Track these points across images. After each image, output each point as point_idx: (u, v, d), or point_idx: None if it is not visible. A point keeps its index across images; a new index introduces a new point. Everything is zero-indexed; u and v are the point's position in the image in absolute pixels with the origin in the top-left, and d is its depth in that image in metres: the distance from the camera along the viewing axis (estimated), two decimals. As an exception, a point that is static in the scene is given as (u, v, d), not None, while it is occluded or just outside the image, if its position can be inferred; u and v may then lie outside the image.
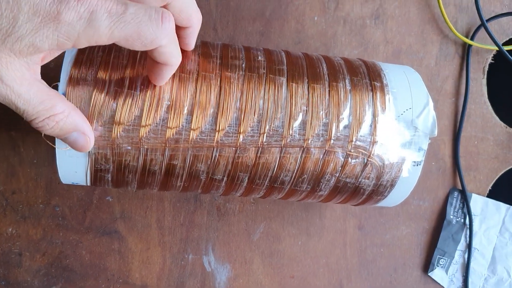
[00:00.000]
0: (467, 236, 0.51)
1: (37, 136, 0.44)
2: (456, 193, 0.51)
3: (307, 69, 0.36)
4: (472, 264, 0.51)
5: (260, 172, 0.35)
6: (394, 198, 0.39)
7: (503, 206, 0.51)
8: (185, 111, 0.32)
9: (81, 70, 0.32)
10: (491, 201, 0.51)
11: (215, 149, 0.33)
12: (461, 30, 0.50)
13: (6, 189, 0.44)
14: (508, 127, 0.52)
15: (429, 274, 0.50)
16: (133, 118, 0.32)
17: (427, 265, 0.50)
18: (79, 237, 0.45)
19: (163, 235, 0.46)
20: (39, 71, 0.27)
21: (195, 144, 0.33)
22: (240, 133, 0.33)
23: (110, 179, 0.34)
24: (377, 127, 0.35)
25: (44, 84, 0.27)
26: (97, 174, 0.33)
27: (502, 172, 0.52)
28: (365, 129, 0.35)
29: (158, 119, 0.32)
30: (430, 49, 0.50)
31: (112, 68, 0.32)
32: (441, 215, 0.50)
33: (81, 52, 0.32)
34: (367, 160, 0.36)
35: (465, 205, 0.50)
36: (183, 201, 0.46)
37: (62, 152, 0.32)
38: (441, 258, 0.50)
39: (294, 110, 0.34)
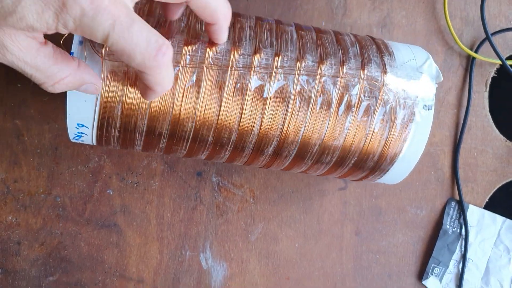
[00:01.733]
0: (463, 246, 0.51)
1: (42, 126, 0.44)
2: (453, 203, 0.51)
3: (314, 28, 0.39)
4: (466, 275, 0.51)
5: (273, 113, 0.34)
6: (409, 155, 0.38)
7: (499, 218, 0.52)
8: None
9: None
10: (487, 213, 0.52)
11: (229, 71, 0.33)
12: (466, 42, 0.51)
13: (8, 177, 0.44)
14: (507, 140, 0.52)
15: (423, 282, 0.50)
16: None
17: (421, 273, 0.51)
18: (79, 229, 0.45)
19: (161, 230, 0.46)
20: (41, 34, 0.27)
21: (211, 63, 0.33)
22: (255, 54, 0.34)
23: (118, 123, 0.33)
24: (386, 65, 0.37)
25: (51, 47, 0.27)
26: (104, 117, 0.33)
27: (500, 185, 0.52)
28: (374, 65, 0.36)
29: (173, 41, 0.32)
30: (435, 60, 0.51)
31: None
32: (438, 225, 0.51)
33: None
34: (380, 97, 0.35)
35: (462, 216, 0.51)
36: (183, 197, 0.46)
37: (73, 94, 0.32)
38: (436, 267, 0.51)
39: (305, 47, 0.36)
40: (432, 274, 0.51)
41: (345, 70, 0.35)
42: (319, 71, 0.34)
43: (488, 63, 0.51)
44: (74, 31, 0.25)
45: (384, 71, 0.36)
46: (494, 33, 0.51)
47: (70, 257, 0.45)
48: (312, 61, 0.35)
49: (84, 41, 0.32)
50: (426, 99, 0.37)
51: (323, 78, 0.34)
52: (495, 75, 0.52)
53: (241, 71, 0.33)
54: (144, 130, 0.34)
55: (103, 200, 0.45)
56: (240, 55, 0.33)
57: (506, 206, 0.53)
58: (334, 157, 0.37)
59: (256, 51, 0.34)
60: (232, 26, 0.35)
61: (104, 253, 0.45)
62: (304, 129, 0.35)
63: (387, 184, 0.47)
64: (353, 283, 0.49)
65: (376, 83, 0.36)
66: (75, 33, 0.26)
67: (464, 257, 0.51)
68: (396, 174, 0.39)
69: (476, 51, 0.51)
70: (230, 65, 0.33)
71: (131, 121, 0.33)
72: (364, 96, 0.35)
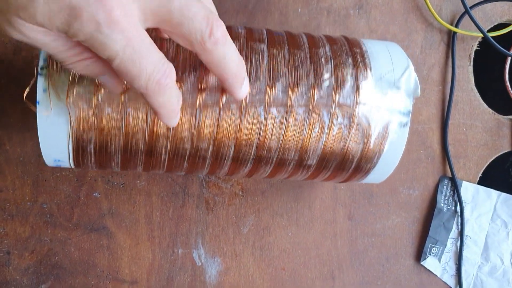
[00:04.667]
0: (459, 223, 0.50)
1: (23, 133, 0.44)
2: (446, 181, 0.51)
3: (288, 39, 0.37)
4: (464, 252, 0.50)
5: (245, 138, 0.34)
6: (385, 167, 0.38)
7: (494, 192, 0.51)
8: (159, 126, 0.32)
9: None
10: (482, 188, 0.51)
11: (197, 110, 0.33)
12: (446, 18, 0.50)
13: (-7, 188, 0.44)
14: (496, 113, 0.52)
15: (421, 263, 0.50)
16: (116, 127, 0.32)
17: (419, 254, 0.50)
18: (68, 234, 0.44)
19: (152, 230, 0.45)
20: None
21: (176, 144, 0.33)
22: (223, 93, 0.33)
23: (92, 151, 0.33)
24: (360, 87, 0.35)
25: (58, 34, 0.27)
26: (79, 143, 0.33)
27: (492, 159, 0.52)
28: (347, 89, 0.35)
29: (140, 134, 0.32)
30: (415, 38, 0.50)
31: None
32: (432, 204, 0.50)
33: None
34: (352, 120, 0.35)
35: (456, 193, 0.50)
36: (171, 195, 0.46)
37: (43, 119, 0.31)
38: (433, 247, 0.50)
39: (276, 72, 0.34)
40: (430, 254, 0.50)
41: (316, 99, 0.35)
42: (289, 102, 0.34)
43: (469, 37, 0.51)
44: (82, 42, 0.25)
45: (357, 93, 0.35)
46: (473, 6, 0.50)
47: (61, 263, 0.44)
48: (282, 91, 0.34)
49: (48, 89, 0.31)
50: (402, 116, 0.37)
51: (294, 107, 0.34)
52: (477, 48, 0.51)
53: (211, 106, 0.33)
54: (120, 153, 0.34)
55: (90, 204, 0.45)
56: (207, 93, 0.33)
57: (500, 180, 0.52)
58: (310, 171, 0.38)
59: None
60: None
61: (95, 257, 0.45)
62: (278, 149, 0.35)
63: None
64: (350, 268, 0.48)
65: (348, 109, 0.35)
66: (83, 43, 0.25)
67: (461, 234, 0.50)
68: (373, 178, 0.40)
69: (456, 26, 0.50)
70: (199, 103, 0.33)
71: (106, 150, 0.34)
72: (337, 120, 0.35)
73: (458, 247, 0.50)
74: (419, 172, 0.50)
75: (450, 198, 0.50)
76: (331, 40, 0.38)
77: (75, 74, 0.31)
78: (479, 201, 0.51)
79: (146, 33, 0.26)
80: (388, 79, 0.36)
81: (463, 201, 0.50)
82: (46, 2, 0.23)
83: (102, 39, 0.24)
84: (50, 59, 0.31)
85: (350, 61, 0.36)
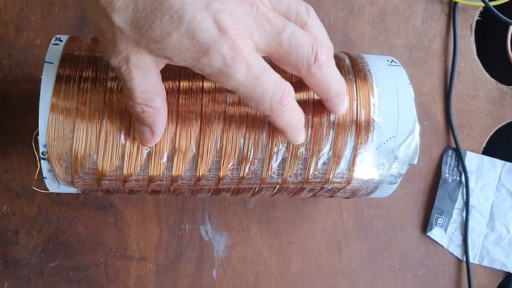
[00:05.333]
0: (464, 194, 0.50)
1: (27, 114, 0.44)
2: (450, 152, 0.51)
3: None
4: (470, 222, 0.50)
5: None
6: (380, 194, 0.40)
7: (498, 162, 0.51)
8: (165, 158, 0.33)
9: (59, 119, 0.31)
10: (486, 158, 0.51)
11: (194, 189, 0.35)
12: (446, -12, 0.50)
13: (-1, 169, 0.44)
14: (499, 83, 0.52)
15: (427, 234, 0.50)
16: (114, 169, 0.32)
17: (425, 225, 0.50)
18: (75, 212, 0.45)
19: (158, 206, 0.46)
20: (163, 65, 0.29)
21: (176, 186, 0.34)
22: (220, 177, 0.34)
23: (100, 192, 0.36)
24: (356, 162, 0.35)
25: (158, 76, 0.29)
26: (88, 193, 0.36)
27: (496, 129, 0.51)
28: (343, 164, 0.35)
29: (139, 169, 0.33)
30: (416, 9, 0.50)
31: (90, 118, 0.31)
32: (437, 174, 0.50)
33: (56, 96, 0.32)
34: (343, 188, 0.37)
35: (460, 163, 0.50)
36: (176, 171, 0.46)
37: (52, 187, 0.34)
38: (439, 217, 0.50)
39: (274, 149, 0.34)
40: (436, 225, 0.50)
41: (309, 178, 0.35)
42: (283, 183, 0.35)
43: (470, 7, 0.51)
44: (208, 76, 0.27)
45: (352, 169, 0.35)
46: (473, -25, 0.50)
47: (69, 241, 0.44)
48: (277, 175, 0.35)
49: (52, 170, 0.32)
50: (392, 178, 0.37)
51: (287, 182, 0.35)
52: (479, 18, 0.51)
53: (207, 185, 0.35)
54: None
55: (96, 182, 0.45)
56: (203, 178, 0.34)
57: (504, 150, 0.52)
58: (309, 194, 0.40)
59: (220, 170, 0.34)
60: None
61: (103, 235, 0.45)
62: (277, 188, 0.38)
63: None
64: (356, 240, 0.48)
65: (341, 183, 0.36)
66: (208, 77, 0.27)
67: (466, 204, 0.50)
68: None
69: (457, -4, 0.50)
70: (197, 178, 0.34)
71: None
72: (328, 189, 0.37)
73: (464, 217, 0.50)
74: (424, 144, 0.50)
75: (455, 168, 0.51)
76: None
77: (76, 159, 0.32)
78: (483, 171, 0.51)
79: (261, 58, 0.27)
80: (387, 147, 0.35)
81: (468, 171, 0.50)
82: (179, 39, 0.25)
83: (228, 71, 0.26)
84: (49, 143, 0.32)
85: (354, 129, 0.34)
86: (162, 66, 0.29)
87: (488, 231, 0.51)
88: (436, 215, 0.50)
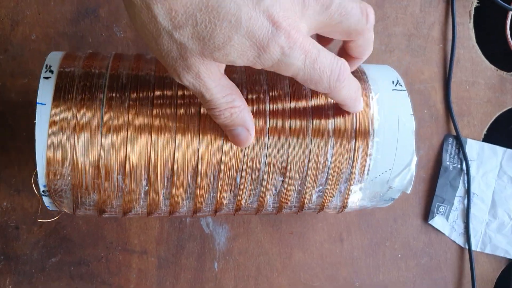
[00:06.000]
0: (465, 181, 0.50)
1: (26, 108, 0.44)
2: (451, 139, 0.50)
3: (290, 133, 0.33)
4: (472, 210, 0.50)
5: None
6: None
7: (499, 149, 0.51)
8: (163, 196, 0.33)
9: (57, 160, 0.31)
10: (487, 145, 0.51)
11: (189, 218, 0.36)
12: (444, -26, 0.50)
13: (-2, 165, 0.44)
14: (498, 69, 0.51)
15: (429, 222, 0.50)
16: (113, 206, 0.33)
17: (427, 214, 0.50)
18: (75, 207, 0.44)
19: (158, 199, 0.45)
20: (225, 66, 0.30)
21: (173, 216, 0.36)
22: (216, 210, 0.35)
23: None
24: (349, 195, 0.36)
25: (226, 78, 0.30)
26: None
27: (496, 116, 0.51)
28: (337, 196, 0.35)
29: (137, 205, 0.33)
30: (414, -3, 0.50)
31: (86, 159, 0.31)
32: (437, 163, 0.50)
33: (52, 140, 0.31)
34: (335, 213, 0.38)
35: (461, 151, 0.50)
36: (176, 164, 0.46)
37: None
38: (441, 206, 0.50)
39: (270, 184, 0.34)
40: (438, 213, 0.50)
41: (304, 209, 0.36)
42: (277, 213, 0.36)
43: (469, -7, 0.50)
44: (270, 68, 0.28)
45: (346, 200, 0.36)
46: (471, -39, 0.50)
47: (70, 236, 0.44)
48: (272, 207, 0.36)
49: (54, 204, 0.33)
50: (384, 202, 0.38)
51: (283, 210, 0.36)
52: (477, 4, 0.51)
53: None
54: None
55: (96, 176, 0.45)
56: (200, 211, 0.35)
57: (505, 137, 0.52)
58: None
59: (217, 204, 0.34)
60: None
61: (103, 229, 0.45)
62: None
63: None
64: (358, 230, 0.48)
65: (334, 210, 0.37)
66: (269, 69, 0.28)
67: (468, 192, 0.50)
68: None
69: (455, -18, 0.50)
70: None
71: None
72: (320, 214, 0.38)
73: (466, 205, 0.50)
74: (424, 132, 0.50)
75: (456, 156, 0.50)
76: (338, 133, 0.34)
77: (77, 194, 0.32)
78: (484, 158, 0.51)
79: (314, 41, 0.28)
80: (383, 178, 0.35)
81: (469, 159, 0.50)
82: (240, 40, 0.26)
83: (287, 60, 0.27)
84: (49, 183, 0.32)
85: (350, 163, 0.34)
86: (224, 68, 0.30)
87: (490, 218, 0.51)
88: (437, 204, 0.50)
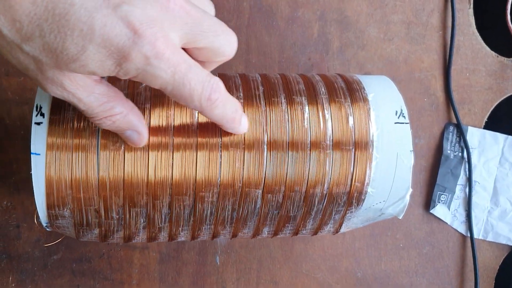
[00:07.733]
0: (466, 170, 0.50)
1: (22, 107, 0.43)
2: (451, 128, 0.50)
3: (288, 168, 0.33)
4: (474, 198, 0.50)
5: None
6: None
7: (501, 136, 0.50)
8: (161, 224, 0.33)
9: (56, 204, 0.31)
10: (488, 133, 0.50)
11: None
12: (443, -40, 0.49)
13: (-4, 163, 0.44)
14: (499, 56, 0.51)
15: (431, 211, 0.50)
16: (114, 238, 0.34)
17: (428, 203, 0.50)
18: (75, 204, 0.44)
19: (158, 194, 0.45)
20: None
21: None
22: (213, 237, 0.36)
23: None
24: (343, 225, 0.36)
25: (105, 85, 0.28)
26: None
27: (497, 103, 0.51)
28: (330, 225, 0.36)
29: (137, 235, 0.34)
30: (413, -16, 0.49)
31: (85, 200, 0.31)
32: (438, 151, 0.50)
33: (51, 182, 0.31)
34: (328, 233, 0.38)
35: (462, 139, 0.50)
36: (175, 159, 0.45)
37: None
38: (442, 194, 0.50)
39: (264, 219, 0.34)
40: (439, 202, 0.50)
41: (298, 234, 0.37)
42: (271, 237, 0.37)
43: (468, -21, 0.49)
44: (134, 78, 0.26)
45: (339, 229, 0.36)
46: None
47: (71, 233, 0.44)
48: (267, 234, 0.36)
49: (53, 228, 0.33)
50: (376, 221, 0.38)
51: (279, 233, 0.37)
52: (477, -10, 0.50)
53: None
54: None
55: (95, 173, 0.44)
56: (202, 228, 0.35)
57: (506, 123, 0.52)
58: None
59: (213, 234, 0.35)
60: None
61: (104, 225, 0.45)
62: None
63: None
64: (359, 221, 0.48)
65: (328, 234, 0.38)
66: (135, 79, 0.26)
67: (469, 180, 0.50)
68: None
69: (454, -32, 0.49)
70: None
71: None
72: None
73: (467, 193, 0.50)
74: (424, 121, 0.49)
75: (457, 144, 0.50)
76: (334, 172, 0.33)
77: (79, 229, 0.33)
78: (486, 145, 0.50)
79: (187, 55, 0.27)
80: (376, 208, 0.35)
81: (470, 147, 0.50)
82: (96, 50, 0.24)
83: (153, 71, 0.25)
84: (51, 222, 0.32)
85: (345, 199, 0.34)
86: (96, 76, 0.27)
87: (492, 206, 0.50)
88: (438, 192, 0.50)
